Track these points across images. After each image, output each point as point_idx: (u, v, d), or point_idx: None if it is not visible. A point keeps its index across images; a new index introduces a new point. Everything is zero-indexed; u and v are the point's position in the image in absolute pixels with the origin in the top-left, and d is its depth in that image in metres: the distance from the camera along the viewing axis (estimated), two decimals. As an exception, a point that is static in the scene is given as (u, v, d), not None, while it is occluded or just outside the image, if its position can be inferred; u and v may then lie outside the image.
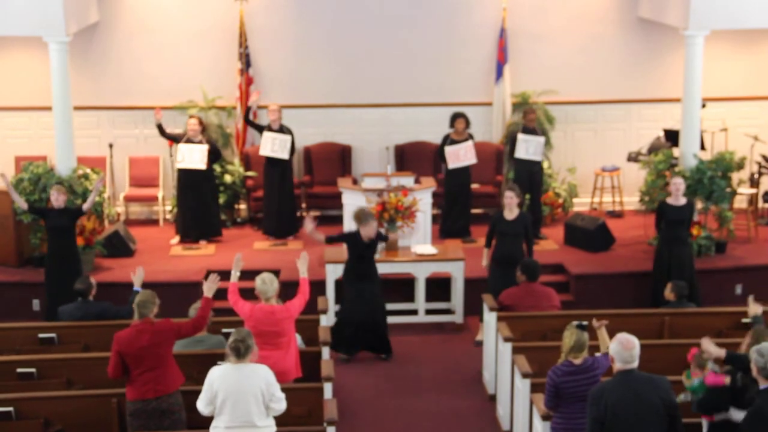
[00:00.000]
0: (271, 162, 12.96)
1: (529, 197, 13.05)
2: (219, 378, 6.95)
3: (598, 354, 7.46)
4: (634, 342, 6.52)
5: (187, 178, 12.78)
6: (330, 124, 14.34)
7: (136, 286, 8.89)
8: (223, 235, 13.15)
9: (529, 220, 10.63)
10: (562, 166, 14.37)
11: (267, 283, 8.18)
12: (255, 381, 6.92)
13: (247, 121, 13.19)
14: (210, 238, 13.02)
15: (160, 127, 12.69)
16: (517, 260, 10.07)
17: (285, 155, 12.88)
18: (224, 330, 8.85)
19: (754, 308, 8.02)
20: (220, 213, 13.50)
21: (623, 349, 6.50)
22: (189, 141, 12.70)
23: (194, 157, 12.66)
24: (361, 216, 10.18)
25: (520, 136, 12.88)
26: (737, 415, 6.77)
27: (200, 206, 12.88)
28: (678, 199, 11.09)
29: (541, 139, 12.86)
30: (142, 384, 7.49)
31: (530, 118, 12.92)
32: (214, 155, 12.86)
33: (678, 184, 11.03)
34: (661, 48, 14.24)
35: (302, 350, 8.68)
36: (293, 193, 13.17)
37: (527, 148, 12.85)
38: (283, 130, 12.93)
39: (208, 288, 7.87)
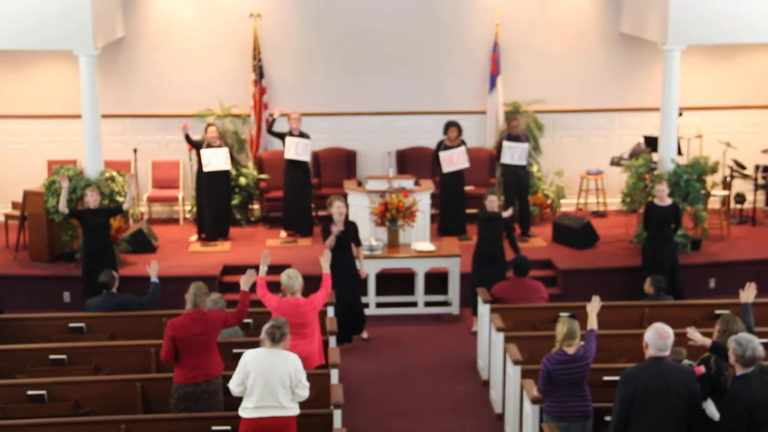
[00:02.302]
0: (293, 164, 12.94)
1: (518, 199, 13.06)
2: (252, 360, 6.94)
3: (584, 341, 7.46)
4: (669, 332, 6.48)
5: (210, 180, 12.78)
6: (337, 131, 14.34)
7: (153, 278, 8.90)
8: (230, 234, 13.12)
9: (507, 220, 10.68)
10: (550, 169, 14.37)
11: (292, 278, 8.20)
12: (285, 366, 6.90)
13: (271, 132, 13.18)
14: (225, 236, 13.01)
15: (187, 138, 12.68)
16: (497, 256, 10.31)
17: (307, 157, 12.90)
18: (245, 320, 8.83)
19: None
20: (232, 213, 13.54)
21: (659, 337, 6.44)
22: (209, 145, 12.72)
23: (219, 159, 12.67)
24: (330, 199, 10.29)
25: (505, 143, 12.91)
26: (710, 409, 6.77)
27: (219, 206, 12.88)
28: (663, 200, 11.13)
29: (525, 145, 12.88)
30: (192, 368, 7.48)
31: (513, 125, 12.95)
32: (232, 159, 12.87)
33: (662, 191, 11.09)
34: (641, 61, 14.24)
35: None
36: (310, 191, 13.15)
37: (512, 154, 12.87)
38: (303, 135, 12.95)
39: (245, 282, 7.87)
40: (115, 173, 12.40)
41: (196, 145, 12.78)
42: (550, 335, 7.74)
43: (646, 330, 6.54)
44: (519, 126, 12.97)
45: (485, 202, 10.63)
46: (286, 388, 6.91)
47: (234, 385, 6.99)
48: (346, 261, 10.28)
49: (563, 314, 7.45)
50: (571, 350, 7.23)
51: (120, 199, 11.47)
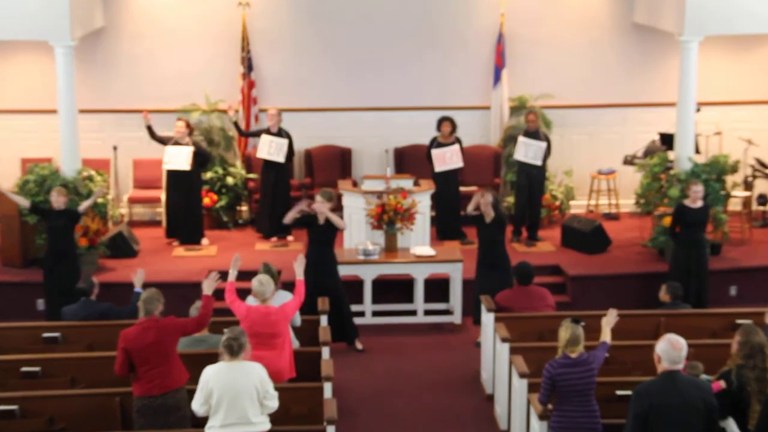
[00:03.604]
0: (267, 164, 12.95)
1: (529, 200, 13.04)
2: (214, 376, 6.94)
3: (594, 351, 7.44)
4: (682, 343, 6.46)
5: (173, 180, 12.77)
6: (330, 127, 14.31)
7: (137, 287, 8.88)
8: (204, 237, 13.09)
9: (502, 219, 10.65)
10: (558, 168, 14.33)
11: (264, 284, 8.16)
12: (250, 378, 6.91)
13: (242, 133, 13.20)
14: (193, 242, 12.98)
15: (150, 129, 12.67)
16: (499, 263, 10.32)
17: (280, 158, 12.85)
18: (226, 330, 8.80)
19: None
20: (220, 215, 13.53)
21: (672, 349, 6.42)
22: (176, 143, 12.70)
23: (179, 158, 12.65)
24: (321, 192, 10.35)
25: (521, 139, 12.87)
26: (731, 427, 6.74)
27: (184, 209, 12.86)
28: (696, 202, 11.10)
29: (542, 144, 12.83)
30: (148, 381, 7.48)
31: (530, 119, 12.90)
32: (201, 159, 12.81)
33: (697, 191, 11.03)
34: (657, 53, 14.23)
35: (301, 350, 8.66)
36: (288, 195, 13.13)
37: (526, 151, 12.83)
38: (281, 133, 12.91)
39: (208, 285, 7.87)
40: (93, 172, 12.37)
41: (161, 142, 12.74)
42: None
43: (658, 342, 6.51)
44: (537, 121, 12.93)
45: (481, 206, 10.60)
46: (254, 401, 6.90)
47: (197, 405, 6.98)
48: (326, 260, 10.21)
49: (569, 319, 7.41)
50: (574, 355, 7.23)
51: (85, 203, 11.35)
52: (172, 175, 12.77)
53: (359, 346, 10.76)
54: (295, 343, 8.77)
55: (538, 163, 12.87)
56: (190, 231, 12.97)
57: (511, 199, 13.54)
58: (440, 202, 13.02)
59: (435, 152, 12.88)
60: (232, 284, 8.33)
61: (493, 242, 10.58)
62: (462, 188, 13.34)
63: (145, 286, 8.63)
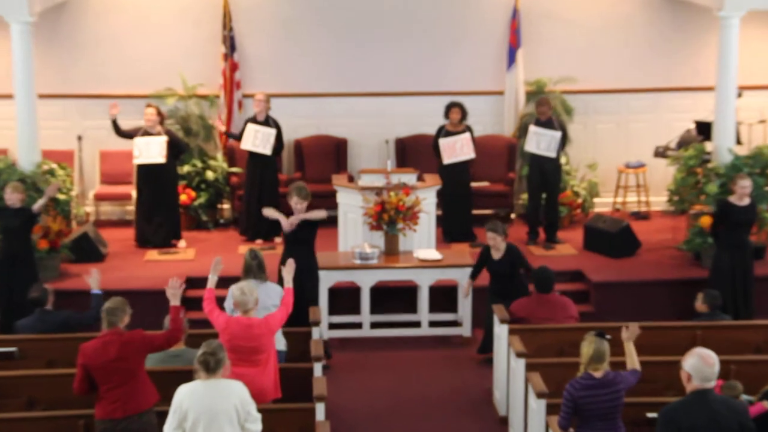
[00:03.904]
0: (253, 157, 12.92)
1: (545, 197, 13.00)
2: (188, 396, 6.88)
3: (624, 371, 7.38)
4: (714, 358, 6.37)
5: (145, 175, 12.73)
6: (323, 115, 14.30)
7: (95, 289, 8.84)
8: (181, 239, 13.08)
9: (518, 253, 10.54)
10: (581, 162, 14.31)
11: (246, 294, 8.10)
12: (229, 399, 6.86)
13: (230, 136, 13.17)
14: (170, 243, 12.94)
15: (115, 124, 12.60)
16: (514, 294, 10.17)
17: (267, 150, 12.82)
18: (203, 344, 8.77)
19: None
20: (199, 215, 13.52)
21: (704, 365, 6.33)
22: (146, 133, 12.64)
23: (152, 150, 12.61)
24: (291, 188, 10.34)
25: (532, 129, 12.86)
26: None
27: (159, 206, 12.81)
28: (743, 199, 11.05)
29: (557, 134, 12.80)
30: (111, 401, 7.44)
31: (541, 110, 12.87)
32: (176, 149, 12.77)
33: (745, 187, 10.97)
34: (693, 30, 14.22)
35: (290, 366, 8.61)
36: (276, 192, 13.08)
37: (538, 142, 12.81)
38: (269, 122, 12.87)
39: (172, 295, 7.81)
40: (54, 166, 12.34)
41: (128, 136, 12.70)
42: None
43: (685, 358, 6.44)
44: (550, 112, 12.88)
45: (487, 241, 10.52)
46: (234, 425, 6.86)
47: (170, 429, 6.93)
48: (304, 263, 10.16)
49: (593, 332, 7.36)
50: (598, 374, 7.21)
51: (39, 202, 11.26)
52: (144, 170, 12.71)
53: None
54: (281, 343, 8.73)
55: (552, 154, 12.84)
56: (166, 231, 12.91)
57: (525, 196, 13.50)
58: (449, 199, 12.99)
59: (443, 142, 12.86)
60: (211, 291, 8.29)
61: (506, 277, 10.49)
62: (473, 183, 13.30)
63: (114, 294, 8.57)
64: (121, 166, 13.98)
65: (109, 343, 7.48)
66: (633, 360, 7.57)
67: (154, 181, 12.76)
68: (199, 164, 13.75)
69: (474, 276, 10.83)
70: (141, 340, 7.56)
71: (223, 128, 13.37)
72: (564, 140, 12.98)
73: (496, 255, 10.51)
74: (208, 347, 6.97)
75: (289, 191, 10.43)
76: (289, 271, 8.58)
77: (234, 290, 8.17)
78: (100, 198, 14.00)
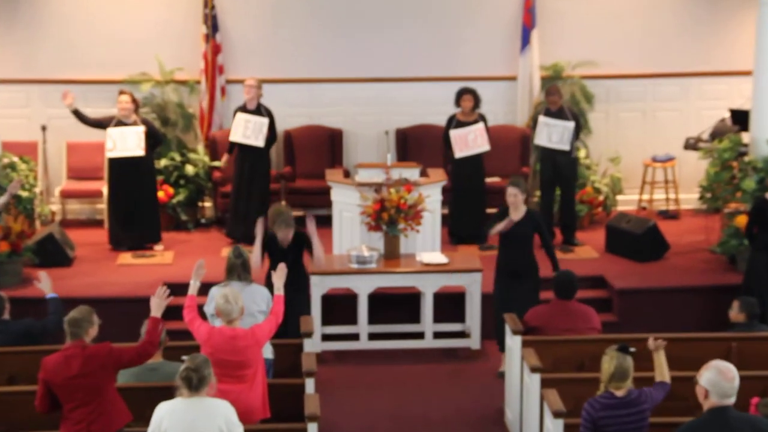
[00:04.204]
0: (243, 150, 12.93)
1: (559, 194, 13.04)
2: (168, 415, 6.89)
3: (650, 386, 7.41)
4: (734, 372, 6.40)
5: (120, 169, 12.73)
6: (316, 103, 14.34)
7: (49, 293, 8.86)
8: (167, 240, 13.09)
9: (541, 219, 10.65)
10: (603, 155, 14.34)
11: (231, 302, 8.11)
12: (213, 419, 6.86)
13: (86, 122, 12.81)
14: (148, 244, 12.97)
15: (77, 114, 12.59)
16: (525, 271, 10.21)
17: (259, 142, 12.84)
18: (184, 357, 8.78)
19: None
20: (177, 214, 13.55)
21: (723, 379, 6.35)
22: (120, 123, 12.65)
23: (128, 142, 12.62)
24: (274, 217, 10.22)
25: (542, 119, 12.90)
26: None
27: (137, 205, 12.84)
28: None
29: (569, 125, 12.84)
30: (74, 422, 7.44)
31: (552, 100, 12.92)
32: (153, 140, 12.80)
33: None
34: (728, 9, 14.25)
35: (280, 383, 8.64)
36: (267, 189, 13.10)
37: (550, 134, 12.86)
38: (260, 110, 12.89)
39: (156, 305, 7.81)
40: (16, 159, 12.34)
41: (96, 125, 12.71)
42: (604, 378, 7.69)
43: (701, 371, 6.47)
44: (560, 101, 12.92)
45: (507, 197, 10.56)
46: None
47: None
48: (293, 285, 10.16)
49: (615, 346, 7.39)
50: (620, 393, 7.23)
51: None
52: (119, 164, 12.72)
53: None
54: (267, 350, 8.76)
55: (566, 147, 12.88)
56: (144, 232, 12.93)
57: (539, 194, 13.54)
58: (460, 197, 13.04)
59: (454, 134, 12.88)
60: (193, 298, 8.30)
61: (522, 244, 10.53)
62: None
63: (82, 302, 8.59)
64: (91, 160, 14.00)
65: (72, 357, 7.47)
66: (662, 371, 7.59)
67: (130, 177, 12.77)
68: (178, 158, 13.77)
69: (493, 223, 10.67)
70: (107, 355, 7.55)
71: (223, 163, 13.31)
72: (578, 131, 13.02)
73: (516, 215, 10.52)
74: (191, 362, 6.96)
75: (273, 220, 10.22)
76: (279, 276, 8.60)
77: (217, 297, 8.18)
78: (67, 195, 14.01)
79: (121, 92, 12.78)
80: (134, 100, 12.76)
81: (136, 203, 12.84)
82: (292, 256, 10.25)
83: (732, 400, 6.37)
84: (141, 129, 12.65)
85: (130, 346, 7.76)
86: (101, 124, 12.70)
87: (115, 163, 12.76)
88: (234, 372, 7.98)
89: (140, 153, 12.64)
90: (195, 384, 6.92)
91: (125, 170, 12.74)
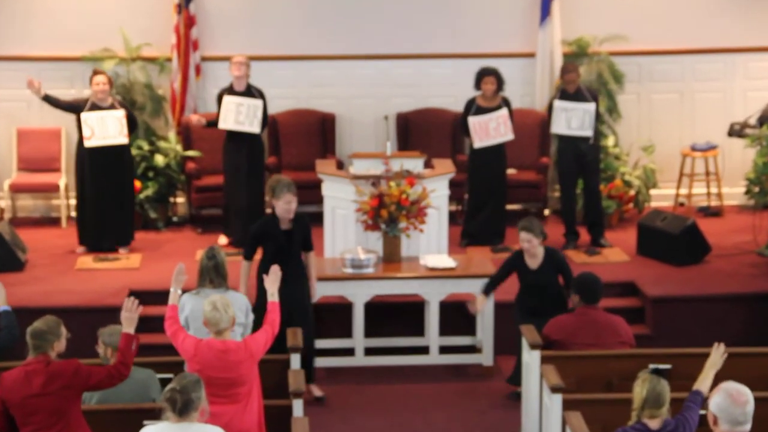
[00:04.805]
0: (235, 138, 12.94)
1: (582, 188, 13.04)
2: None
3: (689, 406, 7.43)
4: (747, 395, 6.43)
5: (99, 160, 12.74)
6: (305, 84, 14.39)
7: (2, 305, 8.86)
8: (134, 241, 13.16)
9: (562, 259, 10.57)
10: (634, 143, 14.37)
11: (219, 310, 8.10)
12: None
13: (211, 125, 13.12)
14: (124, 244, 13.01)
15: (48, 99, 12.59)
16: (552, 312, 10.11)
17: (255, 128, 12.86)
18: (161, 377, 8.79)
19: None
20: (146, 212, 13.63)
21: (734, 404, 6.39)
22: (96, 107, 12.66)
23: (109, 128, 12.62)
24: (273, 184, 10.32)
25: (558, 104, 12.90)
26: None
27: (116, 200, 12.85)
28: None
29: (590, 107, 12.85)
30: None
31: (570, 79, 12.93)
32: (130, 125, 12.84)
33: None
34: (777, -25, 14.28)
35: (264, 404, 8.66)
36: (262, 180, 13.11)
37: (569, 120, 12.87)
38: (251, 92, 12.90)
39: (127, 320, 7.82)
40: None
41: (71, 109, 12.72)
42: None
43: (711, 395, 6.50)
44: (578, 80, 12.94)
45: (521, 243, 10.48)
46: None
47: None
48: (295, 277, 10.25)
49: (649, 368, 7.40)
50: (654, 423, 7.20)
51: None
52: (95, 154, 12.72)
53: (318, 392, 10.78)
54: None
55: (588, 133, 12.89)
56: (123, 232, 12.97)
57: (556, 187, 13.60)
58: (478, 193, 13.08)
59: (474, 121, 12.87)
60: (174, 308, 8.30)
61: (545, 289, 10.48)
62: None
63: (37, 312, 8.61)
64: (45, 149, 14.01)
65: (33, 374, 7.48)
66: (704, 383, 7.59)
67: (111, 168, 12.79)
68: (146, 146, 13.76)
69: (490, 289, 10.73)
70: (74, 374, 7.55)
71: (204, 121, 13.16)
72: (597, 114, 13.04)
73: (533, 263, 10.50)
74: (179, 382, 6.87)
75: (272, 188, 10.35)
76: (273, 281, 8.58)
77: (205, 305, 8.15)
78: (17, 189, 14.04)
79: (96, 72, 12.76)
80: (110, 81, 12.75)
81: (116, 198, 12.84)
82: (298, 237, 10.30)
83: (746, 428, 6.40)
84: (121, 113, 12.66)
85: (101, 366, 7.77)
86: (74, 107, 12.70)
87: (91, 153, 12.74)
88: (225, 391, 7.97)
89: (123, 141, 12.68)
90: (180, 407, 6.86)
91: (107, 161, 12.74)
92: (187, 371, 7.61)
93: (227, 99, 12.88)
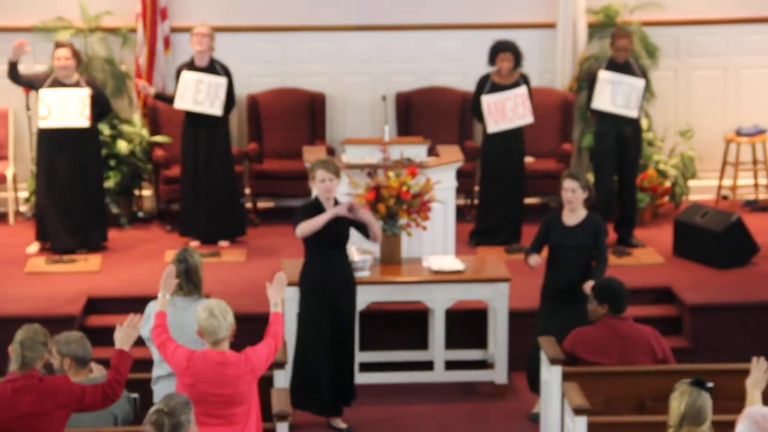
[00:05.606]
0: (194, 120, 13.01)
1: (617, 179, 13.08)
2: None
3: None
4: None
5: (56, 144, 12.79)
6: (290, 60, 14.43)
7: None
8: (108, 240, 13.20)
9: (602, 226, 10.61)
10: (670, 127, 14.40)
11: (217, 317, 8.13)
12: None
13: (160, 98, 13.24)
14: (95, 245, 13.04)
15: (13, 67, 12.65)
16: (578, 293, 10.16)
17: (216, 109, 12.89)
18: (132, 395, 8.84)
19: None
20: (107, 206, 13.61)
21: (758, 429, 6.50)
22: (58, 83, 12.71)
23: (70, 108, 12.66)
24: (314, 163, 10.43)
25: (604, 75, 12.89)
26: None
27: (80, 192, 12.88)
28: None
29: (639, 83, 12.86)
30: None
31: (620, 45, 12.92)
32: (100, 108, 12.89)
33: None
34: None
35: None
36: (231, 171, 13.16)
37: (614, 94, 12.86)
38: (214, 68, 12.95)
39: (123, 337, 7.89)
40: None
41: (27, 84, 12.78)
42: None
43: (738, 421, 6.57)
44: (630, 49, 12.94)
45: (562, 193, 10.52)
46: None
47: None
48: (343, 276, 10.33)
49: (688, 381, 7.46)
50: (694, 442, 7.28)
51: None
52: (55, 137, 12.78)
53: (342, 424, 10.82)
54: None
55: (633, 114, 12.92)
56: (92, 229, 13.04)
57: (590, 178, 13.59)
58: (492, 184, 13.12)
59: (488, 100, 12.88)
60: (162, 315, 8.34)
61: (575, 258, 10.47)
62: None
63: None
64: (-10, 132, 14.09)
65: (23, 392, 7.51)
66: (753, 399, 7.65)
67: (70, 155, 12.82)
68: (107, 131, 13.77)
69: (535, 248, 10.67)
70: (68, 392, 7.61)
71: (152, 90, 13.27)
72: (645, 93, 13.07)
73: (571, 219, 10.50)
74: (165, 404, 6.90)
75: (311, 167, 10.44)
76: (277, 290, 8.58)
77: (199, 312, 8.17)
78: (-42, 180, 14.11)
79: (59, 44, 12.77)
80: (76, 54, 12.78)
81: (77, 191, 12.88)
82: (344, 223, 10.39)
83: None
84: (86, 92, 12.68)
85: (95, 385, 7.80)
86: (32, 83, 12.75)
87: (50, 136, 12.78)
88: (221, 410, 7.99)
89: (84, 123, 12.69)
90: (168, 430, 6.95)
91: (64, 146, 12.77)
92: (176, 387, 7.64)
93: (186, 75, 12.90)
